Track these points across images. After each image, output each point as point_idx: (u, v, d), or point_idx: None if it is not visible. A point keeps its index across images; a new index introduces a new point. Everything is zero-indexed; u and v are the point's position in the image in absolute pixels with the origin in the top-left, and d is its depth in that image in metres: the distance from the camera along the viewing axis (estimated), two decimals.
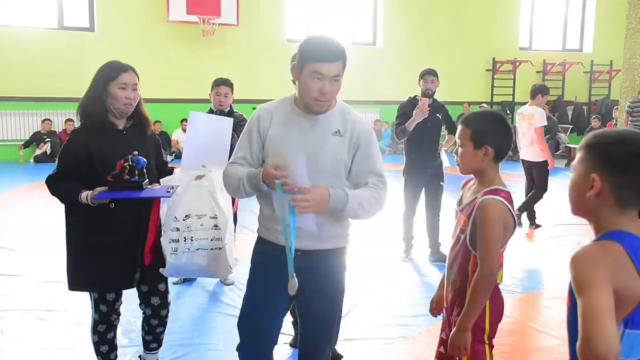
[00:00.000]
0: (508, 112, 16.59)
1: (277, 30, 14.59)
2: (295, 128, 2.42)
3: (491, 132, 2.34)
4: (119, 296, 3.05)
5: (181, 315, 4.27)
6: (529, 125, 7.11)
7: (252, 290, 2.56)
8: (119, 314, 3.08)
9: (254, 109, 2.57)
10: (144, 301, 3.12)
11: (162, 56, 13.40)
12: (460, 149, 2.38)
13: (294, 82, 2.55)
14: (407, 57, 14.63)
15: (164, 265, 2.90)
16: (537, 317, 4.47)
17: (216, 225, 2.88)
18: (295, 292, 2.38)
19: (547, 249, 6.39)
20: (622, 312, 1.48)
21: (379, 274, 5.41)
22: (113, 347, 3.11)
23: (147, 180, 2.85)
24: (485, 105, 15.87)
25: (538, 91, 7.28)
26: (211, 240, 2.88)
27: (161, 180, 2.98)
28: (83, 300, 3.37)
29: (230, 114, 4.68)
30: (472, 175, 2.44)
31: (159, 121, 13.16)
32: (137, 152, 2.80)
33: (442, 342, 2.49)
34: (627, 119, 10.93)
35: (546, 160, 7.02)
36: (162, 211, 2.94)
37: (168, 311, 3.17)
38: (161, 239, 2.87)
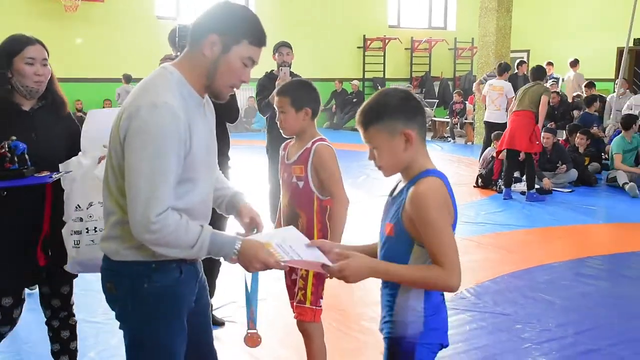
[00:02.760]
0: (379, 88, 17.16)
1: (146, 7, 14.15)
2: (202, 120, 1.93)
3: (307, 96, 2.78)
4: (17, 303, 2.66)
5: None
6: (498, 95, 9.41)
7: (181, 329, 2.00)
8: (13, 324, 2.69)
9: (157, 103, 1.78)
10: (44, 302, 2.83)
11: (17, 31, 12.56)
12: (282, 115, 2.77)
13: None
14: (277, 34, 14.70)
15: (65, 262, 2.64)
16: None
17: None
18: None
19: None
20: None
21: None
22: None
23: (32, 167, 2.51)
24: (357, 82, 16.32)
25: (504, 69, 9.63)
26: None
27: (60, 165, 2.59)
28: None
29: None
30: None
31: None
32: (15, 137, 2.48)
33: (295, 283, 2.86)
34: (478, 87, 11.74)
35: (506, 122, 8.71)
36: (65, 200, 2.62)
37: (71, 316, 2.87)
38: (62, 230, 2.56)
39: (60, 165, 2.57)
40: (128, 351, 2.02)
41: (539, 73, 7.84)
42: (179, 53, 3.25)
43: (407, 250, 1.85)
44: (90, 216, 2.52)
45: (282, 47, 5.54)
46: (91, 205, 2.52)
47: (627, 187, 8.00)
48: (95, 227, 2.51)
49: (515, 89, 11.52)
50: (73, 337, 2.89)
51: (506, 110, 9.27)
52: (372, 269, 1.82)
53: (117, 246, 1.91)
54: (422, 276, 1.80)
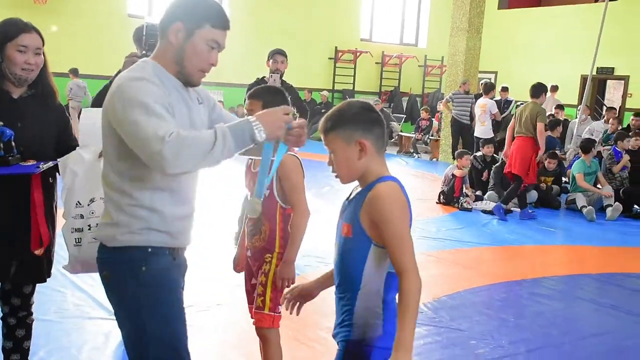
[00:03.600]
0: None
1: (118, 4, 14.01)
2: (184, 105, 2.01)
3: (279, 103, 2.71)
4: None
5: None
6: (482, 112, 10.77)
7: (180, 310, 2.07)
8: None
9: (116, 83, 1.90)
10: (3, 298, 2.73)
11: None
12: None
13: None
14: (252, 41, 14.73)
15: (42, 263, 2.57)
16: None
17: None
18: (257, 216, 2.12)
19: None
20: None
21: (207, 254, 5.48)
22: None
23: (17, 155, 2.45)
24: (326, 92, 16.39)
25: (490, 88, 10.94)
26: None
27: (60, 160, 2.54)
28: None
29: None
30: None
31: None
32: (2, 123, 2.42)
33: (254, 288, 2.86)
34: (445, 104, 12.34)
35: (493, 137, 10.37)
36: (63, 196, 2.54)
37: (30, 315, 2.79)
38: (62, 228, 2.50)
39: (60, 159, 2.50)
40: (132, 341, 2.02)
41: (535, 91, 7.76)
42: (144, 52, 3.21)
43: (365, 249, 1.91)
44: (92, 212, 2.46)
45: (277, 55, 5.53)
46: (93, 202, 2.47)
47: (584, 210, 8.19)
48: (98, 224, 2.41)
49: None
50: (28, 336, 2.82)
51: (492, 125, 10.81)
52: (403, 347, 1.77)
53: (113, 231, 1.97)
54: (411, 300, 1.81)
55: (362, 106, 1.97)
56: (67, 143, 2.66)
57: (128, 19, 13.68)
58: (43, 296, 3.72)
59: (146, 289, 1.97)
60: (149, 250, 1.97)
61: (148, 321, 1.98)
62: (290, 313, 2.28)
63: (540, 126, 7.55)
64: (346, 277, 1.97)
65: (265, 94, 2.81)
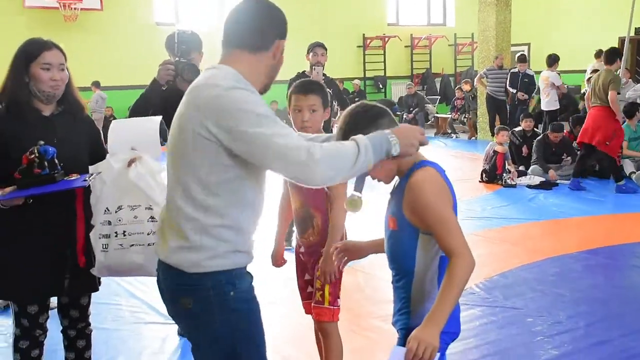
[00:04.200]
0: (381, 86, 17.18)
1: (145, 14, 14.18)
2: None
3: (327, 96, 2.78)
4: (43, 309, 2.66)
5: None
6: (545, 85, 10.53)
7: (262, 327, 2.02)
8: (45, 330, 2.69)
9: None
10: (62, 311, 2.81)
11: (18, 43, 12.59)
12: (310, 115, 2.73)
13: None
14: None
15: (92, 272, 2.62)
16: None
17: (153, 217, 2.48)
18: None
19: None
20: None
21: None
22: None
23: (61, 171, 2.51)
24: (358, 81, 16.30)
25: (554, 60, 10.55)
26: (148, 234, 2.48)
27: (90, 167, 2.58)
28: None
29: None
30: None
31: None
32: (43, 142, 2.47)
33: (308, 284, 2.89)
34: (479, 81, 12.19)
35: (557, 109, 10.70)
36: (91, 202, 2.59)
37: (89, 325, 2.86)
38: (90, 234, 2.53)
39: (90, 167, 2.55)
40: None
41: (609, 57, 7.58)
42: (177, 58, 3.23)
43: (413, 240, 1.91)
44: (119, 220, 2.48)
45: (317, 48, 5.56)
46: (120, 209, 2.50)
47: (634, 176, 7.96)
48: (125, 231, 2.48)
49: (512, 81, 11.53)
50: (88, 346, 2.89)
51: (557, 96, 10.64)
52: (433, 322, 1.75)
53: (196, 257, 1.83)
54: (456, 281, 1.77)
55: (359, 111, 1.95)
56: (99, 153, 2.72)
57: (156, 27, 13.83)
58: (99, 306, 3.80)
59: (236, 314, 1.89)
60: (234, 272, 1.88)
61: (239, 346, 1.91)
62: (337, 266, 2.32)
63: (612, 95, 7.22)
64: (399, 267, 1.97)
65: (322, 90, 2.78)
